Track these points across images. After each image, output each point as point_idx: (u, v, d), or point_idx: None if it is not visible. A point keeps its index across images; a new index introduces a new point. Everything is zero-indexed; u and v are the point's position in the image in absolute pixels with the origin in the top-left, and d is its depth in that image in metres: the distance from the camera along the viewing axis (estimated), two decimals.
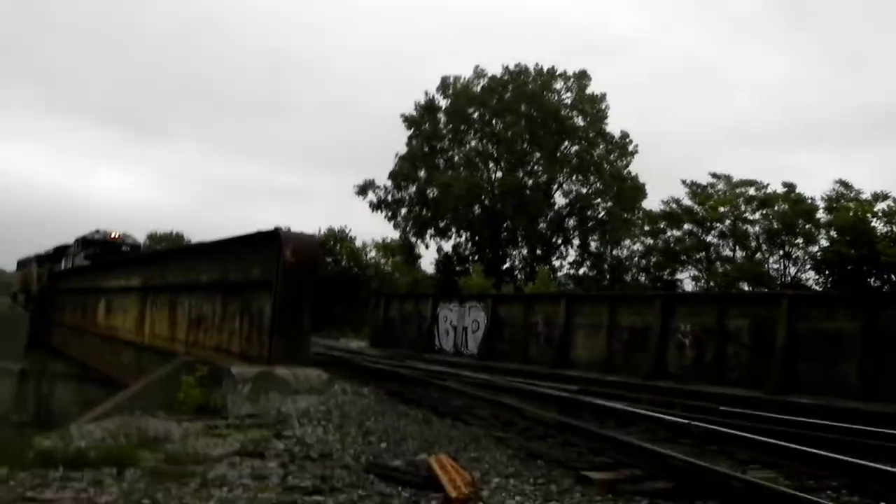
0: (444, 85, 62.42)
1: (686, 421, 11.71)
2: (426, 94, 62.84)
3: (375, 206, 62.27)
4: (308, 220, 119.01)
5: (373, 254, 59.28)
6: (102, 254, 37.64)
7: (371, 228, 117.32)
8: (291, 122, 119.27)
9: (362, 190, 62.29)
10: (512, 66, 62.25)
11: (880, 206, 42.92)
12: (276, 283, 13.94)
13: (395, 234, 62.64)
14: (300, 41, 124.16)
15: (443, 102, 62.54)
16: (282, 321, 13.87)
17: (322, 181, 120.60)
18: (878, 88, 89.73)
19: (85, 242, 40.69)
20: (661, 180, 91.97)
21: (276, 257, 14.03)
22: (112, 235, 40.84)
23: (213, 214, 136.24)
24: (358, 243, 58.06)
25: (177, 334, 18.04)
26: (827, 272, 43.37)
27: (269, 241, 14.51)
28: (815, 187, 77.52)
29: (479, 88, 62.14)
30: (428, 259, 63.37)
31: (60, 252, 45.60)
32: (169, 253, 21.14)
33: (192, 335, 17.20)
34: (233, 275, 15.90)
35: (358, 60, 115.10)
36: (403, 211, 62.69)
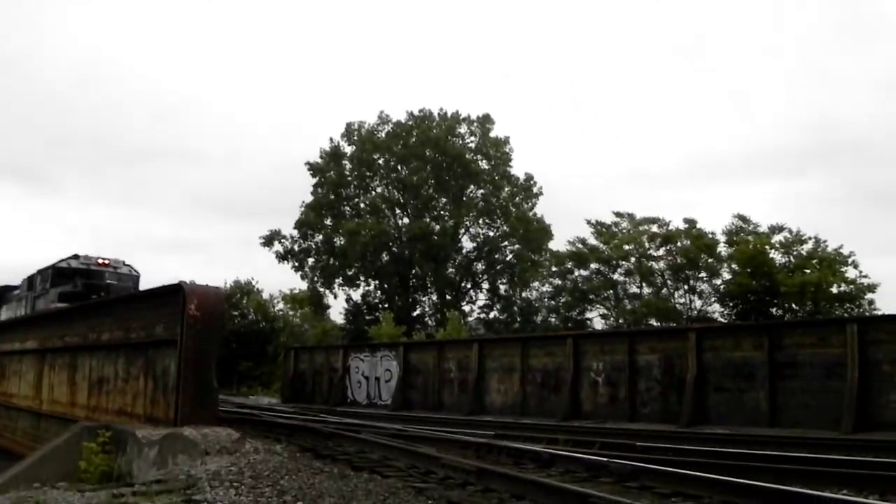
0: (349, 131, 62.39)
1: (605, 459, 11.66)
2: (331, 140, 62.71)
3: (282, 257, 61.61)
4: (211, 274, 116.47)
5: (280, 306, 58.41)
6: (88, 291, 26.90)
7: (278, 279, 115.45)
8: (188, 171, 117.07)
9: (268, 241, 61.58)
10: (416, 112, 62.64)
11: (777, 237, 44.40)
12: (180, 339, 13.51)
13: (302, 285, 61.96)
14: (195, 87, 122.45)
15: (348, 149, 62.46)
16: (188, 380, 13.41)
17: (225, 233, 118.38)
18: (766, 127, 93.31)
19: (57, 274, 28.63)
20: (565, 220, 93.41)
21: (180, 313, 13.61)
22: (100, 261, 29.16)
23: None
24: (265, 295, 57.14)
25: (77, 399, 17.28)
26: (731, 304, 44.45)
27: (173, 296, 14.07)
28: (715, 222, 79.96)
29: (384, 134, 62.26)
30: (337, 309, 62.77)
31: (3, 293, 34.32)
32: (68, 312, 20.02)
33: (93, 399, 16.51)
34: (135, 333, 15.35)
35: (258, 107, 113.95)
36: (311, 261, 62.15)
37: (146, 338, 14.90)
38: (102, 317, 17.06)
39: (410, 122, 62.24)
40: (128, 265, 29.82)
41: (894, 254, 68.06)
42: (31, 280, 30.54)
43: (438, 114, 62.51)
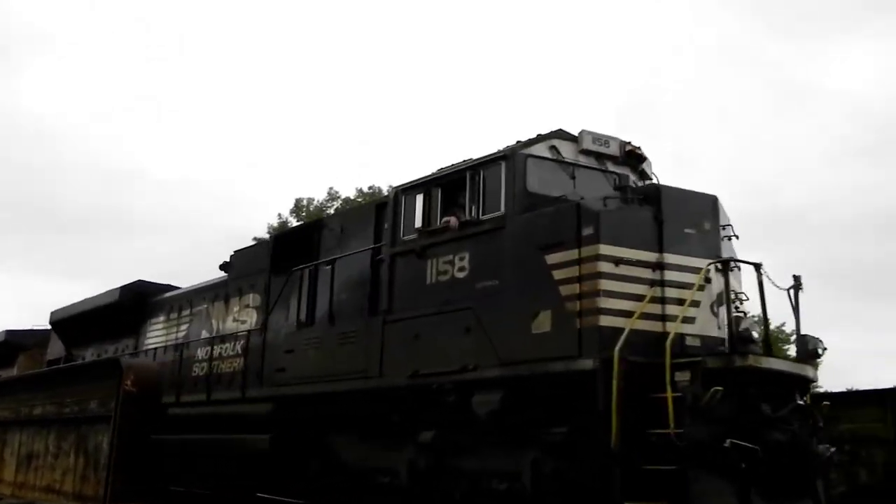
0: (298, 206, 62.33)
1: None
2: (279, 216, 62.59)
3: None
4: None
5: None
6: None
7: None
8: (132, 240, 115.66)
9: None
10: (365, 189, 62.80)
11: None
12: (115, 415, 13.30)
13: None
14: (137, 157, 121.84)
15: (295, 224, 62.30)
16: (121, 456, 13.16)
17: None
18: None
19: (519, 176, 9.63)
20: None
21: (115, 388, 13.41)
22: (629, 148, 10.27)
23: None
24: None
25: (4, 475, 16.79)
26: None
27: (109, 371, 13.91)
28: None
29: (332, 210, 62.22)
30: None
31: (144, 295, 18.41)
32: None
33: (21, 475, 16.05)
34: (69, 408, 15.07)
35: (204, 179, 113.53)
36: None
37: (79, 413, 14.61)
38: (35, 391, 16.68)
39: (360, 199, 62.35)
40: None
41: None
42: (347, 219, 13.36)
43: (388, 190, 62.74)
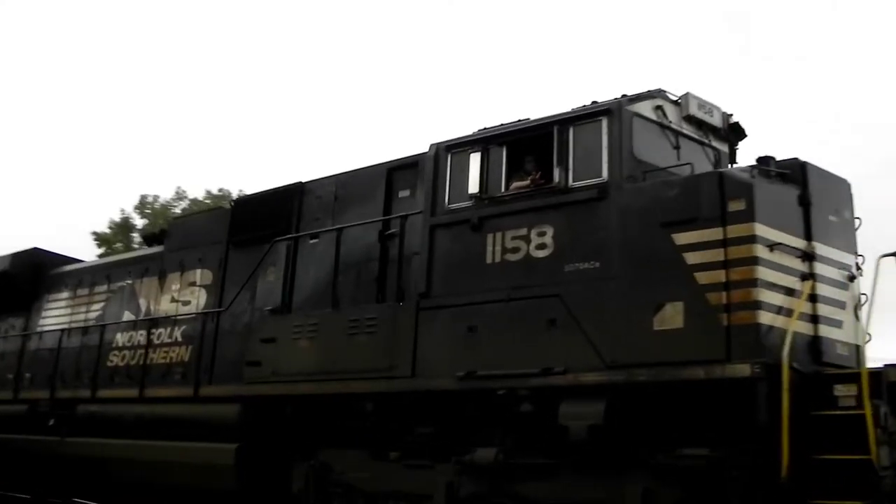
0: (143, 203, 58.70)
1: None
2: (122, 211, 58.71)
3: None
4: None
5: None
6: None
7: None
8: None
9: None
10: (215, 191, 59.78)
11: None
12: None
13: None
14: None
15: (139, 222, 58.63)
16: None
17: None
18: None
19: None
20: None
21: None
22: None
23: None
24: None
25: None
26: None
27: None
28: None
29: (179, 210, 58.90)
30: None
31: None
32: None
33: None
34: None
35: (42, 166, 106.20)
36: None
37: None
38: None
39: (209, 201, 59.32)
40: None
41: None
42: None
43: (238, 194, 59.96)
